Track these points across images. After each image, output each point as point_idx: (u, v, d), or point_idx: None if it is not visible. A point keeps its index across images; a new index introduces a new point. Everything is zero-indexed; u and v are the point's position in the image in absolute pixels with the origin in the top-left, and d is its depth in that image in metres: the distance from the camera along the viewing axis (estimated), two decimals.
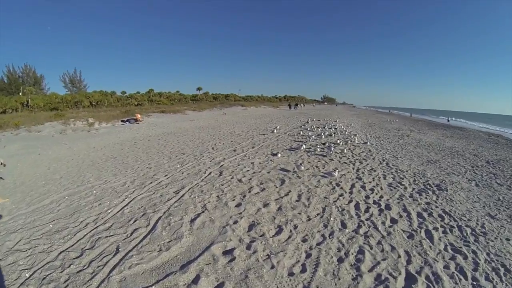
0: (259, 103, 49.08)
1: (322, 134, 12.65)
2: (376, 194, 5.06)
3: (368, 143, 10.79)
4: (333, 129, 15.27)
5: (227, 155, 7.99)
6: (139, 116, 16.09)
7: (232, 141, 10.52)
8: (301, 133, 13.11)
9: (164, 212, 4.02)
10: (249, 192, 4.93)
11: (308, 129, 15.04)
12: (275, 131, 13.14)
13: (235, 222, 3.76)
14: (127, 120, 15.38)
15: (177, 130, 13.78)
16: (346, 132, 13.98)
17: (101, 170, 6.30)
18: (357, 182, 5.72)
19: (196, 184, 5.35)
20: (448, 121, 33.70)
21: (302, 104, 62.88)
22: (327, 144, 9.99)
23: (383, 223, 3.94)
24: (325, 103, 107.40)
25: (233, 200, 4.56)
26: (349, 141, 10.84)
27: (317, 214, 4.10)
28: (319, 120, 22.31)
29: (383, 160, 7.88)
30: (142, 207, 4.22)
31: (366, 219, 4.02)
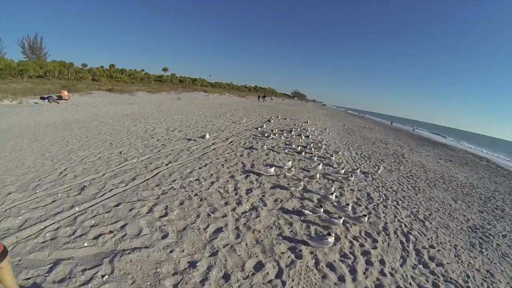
0: (226, 91, 46.10)
1: (286, 148, 8.18)
2: None
3: (358, 170, 6.71)
4: (303, 137, 10.91)
5: (38, 213, 2.97)
6: (66, 93, 14.31)
7: (119, 155, 5.51)
8: (253, 142, 8.51)
9: None
10: None
11: (266, 134, 10.04)
12: (207, 135, 8.09)
13: None
14: (47, 97, 13.51)
15: (86, 119, 9.62)
16: (322, 145, 9.72)
17: None
18: None
19: None
20: (414, 130, 37.26)
21: (271, 98, 59.19)
22: (300, 189, 4.90)
23: None
24: (295, 98, 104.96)
25: None
26: (332, 168, 6.54)
27: None
28: (285, 119, 18.03)
29: (404, 236, 3.74)
30: None
31: None
